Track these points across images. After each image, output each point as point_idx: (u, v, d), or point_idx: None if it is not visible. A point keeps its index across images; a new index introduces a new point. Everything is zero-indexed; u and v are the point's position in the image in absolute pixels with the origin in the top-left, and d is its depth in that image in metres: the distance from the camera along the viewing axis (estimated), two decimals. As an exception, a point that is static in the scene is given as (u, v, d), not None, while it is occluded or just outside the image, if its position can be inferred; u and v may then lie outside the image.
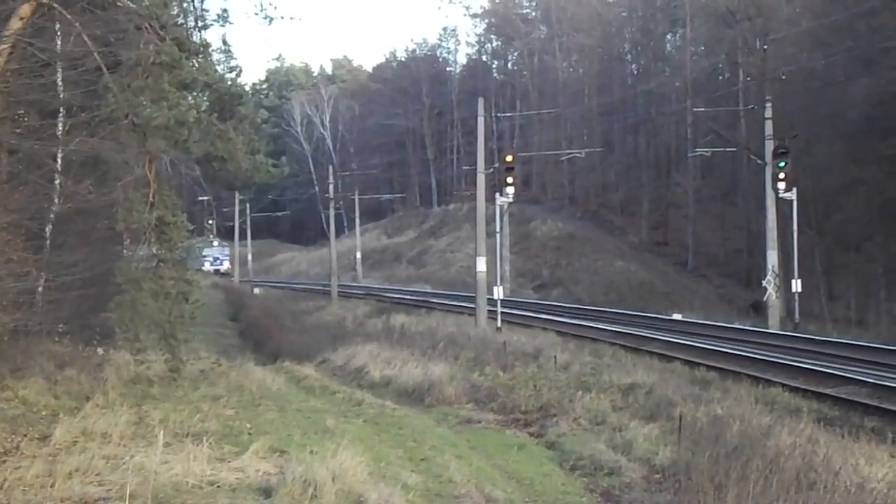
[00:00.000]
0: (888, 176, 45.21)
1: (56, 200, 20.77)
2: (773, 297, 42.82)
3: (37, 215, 19.75)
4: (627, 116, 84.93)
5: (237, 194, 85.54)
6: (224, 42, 72.11)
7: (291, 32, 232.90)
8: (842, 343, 32.23)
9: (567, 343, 33.32)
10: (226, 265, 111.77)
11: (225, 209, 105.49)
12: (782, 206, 44.00)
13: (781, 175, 42.64)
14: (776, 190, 43.15)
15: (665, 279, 68.18)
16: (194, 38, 22.10)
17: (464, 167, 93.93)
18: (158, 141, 19.54)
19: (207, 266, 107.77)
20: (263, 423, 16.74)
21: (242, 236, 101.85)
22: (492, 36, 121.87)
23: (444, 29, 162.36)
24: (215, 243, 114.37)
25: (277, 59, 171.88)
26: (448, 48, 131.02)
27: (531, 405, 21.21)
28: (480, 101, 46.55)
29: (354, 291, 71.21)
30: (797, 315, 42.69)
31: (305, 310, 59.66)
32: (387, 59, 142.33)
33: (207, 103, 21.38)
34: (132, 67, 18.57)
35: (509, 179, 43.49)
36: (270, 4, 75.10)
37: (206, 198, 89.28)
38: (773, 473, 12.69)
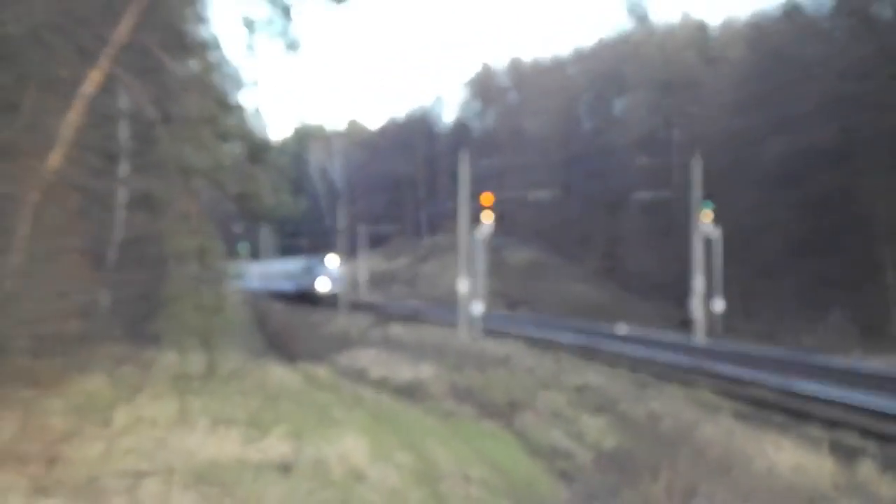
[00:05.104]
0: (795, 219, 45.50)
1: (117, 230, 20.81)
2: (699, 315, 43.24)
3: (101, 242, 19.79)
4: (584, 166, 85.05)
5: (264, 225, 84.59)
6: (256, 103, 71.94)
7: (311, 98, 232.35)
8: (755, 354, 32.36)
9: (532, 350, 33.35)
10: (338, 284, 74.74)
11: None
12: (708, 241, 44.46)
13: (707, 216, 43.44)
14: (703, 228, 43.79)
15: (613, 299, 68.13)
16: (231, 98, 22.23)
17: (449, 205, 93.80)
18: (200, 181, 19.63)
19: (319, 288, 76.56)
20: (283, 413, 16.74)
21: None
22: (474, 100, 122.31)
23: (437, 98, 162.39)
24: (331, 259, 78.19)
25: (300, 125, 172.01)
26: (438, 111, 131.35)
27: (502, 401, 21.26)
28: (464, 154, 46.78)
29: (359, 306, 70.91)
30: (720, 330, 42.94)
31: (318, 321, 59.48)
32: (389, 121, 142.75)
33: (241, 151, 21.48)
34: (180, 121, 18.68)
35: (487, 216, 43.69)
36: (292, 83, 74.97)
37: (238, 228, 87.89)
38: (698, 459, 12.79)
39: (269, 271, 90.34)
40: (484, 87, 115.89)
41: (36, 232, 14.55)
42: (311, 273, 79.52)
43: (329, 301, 72.24)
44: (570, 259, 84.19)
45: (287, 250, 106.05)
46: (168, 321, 19.54)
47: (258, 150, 21.95)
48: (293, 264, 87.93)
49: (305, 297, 76.00)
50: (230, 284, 24.90)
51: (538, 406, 20.12)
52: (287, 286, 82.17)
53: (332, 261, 77.95)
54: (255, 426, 14.50)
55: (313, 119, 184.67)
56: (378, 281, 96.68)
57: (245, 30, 19.48)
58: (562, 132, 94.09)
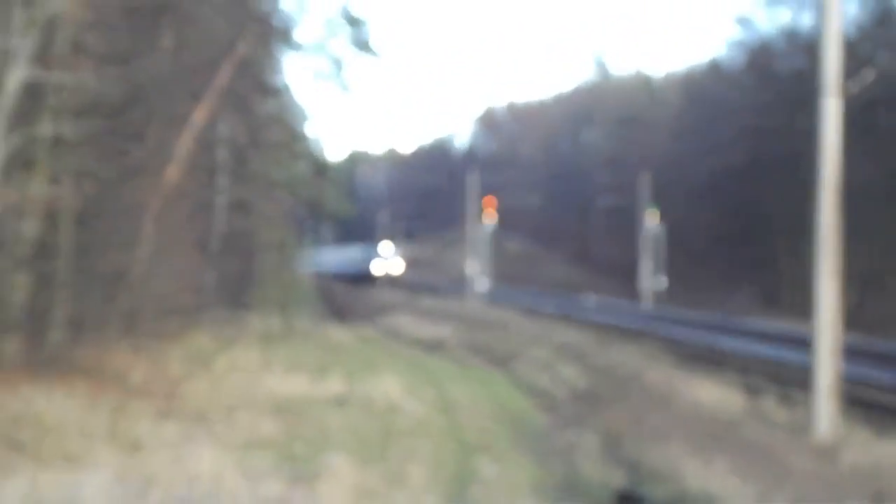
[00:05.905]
0: (717, 219, 45.62)
1: (218, 227, 20.92)
2: (647, 289, 43.57)
3: (207, 236, 19.91)
4: (562, 180, 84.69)
5: (327, 223, 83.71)
6: (319, 133, 71.69)
7: (360, 129, 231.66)
8: (688, 319, 32.19)
9: (525, 316, 33.11)
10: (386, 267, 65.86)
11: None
12: (656, 234, 44.82)
13: (654, 216, 43.93)
14: (650, 225, 44.25)
15: (586, 277, 67.72)
16: (301, 129, 22.38)
17: (463, 208, 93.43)
18: (280, 191, 19.78)
19: (374, 272, 68.04)
20: (338, 360, 16.82)
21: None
22: (481, 131, 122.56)
23: (454, 130, 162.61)
24: (385, 246, 70.06)
25: (352, 150, 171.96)
26: (454, 139, 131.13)
27: (502, 353, 21.20)
28: (473, 171, 47.09)
29: (396, 283, 70.07)
30: (664, 300, 43.08)
31: (365, 294, 58.97)
32: (418, 147, 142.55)
33: (309, 169, 21.62)
34: (265, 146, 18.82)
35: (491, 216, 43.97)
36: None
37: (308, 225, 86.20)
38: (645, 396, 12.79)
39: (334, 258, 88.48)
40: (488, 121, 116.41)
41: (159, 229, 14.70)
42: (369, 258, 75.60)
43: (375, 280, 68.46)
44: (552, 248, 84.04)
45: (344, 242, 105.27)
46: (256, 294, 19.80)
47: (322, 168, 22.22)
48: (353, 251, 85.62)
49: (364, 279, 72.87)
50: (302, 268, 25.06)
51: (529, 357, 20.10)
52: (349, 269, 79.92)
53: (386, 248, 74.30)
54: (319, 371, 14.60)
55: (362, 146, 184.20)
56: (411, 264, 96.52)
57: (311, 78, 19.64)
58: (546, 155, 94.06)
